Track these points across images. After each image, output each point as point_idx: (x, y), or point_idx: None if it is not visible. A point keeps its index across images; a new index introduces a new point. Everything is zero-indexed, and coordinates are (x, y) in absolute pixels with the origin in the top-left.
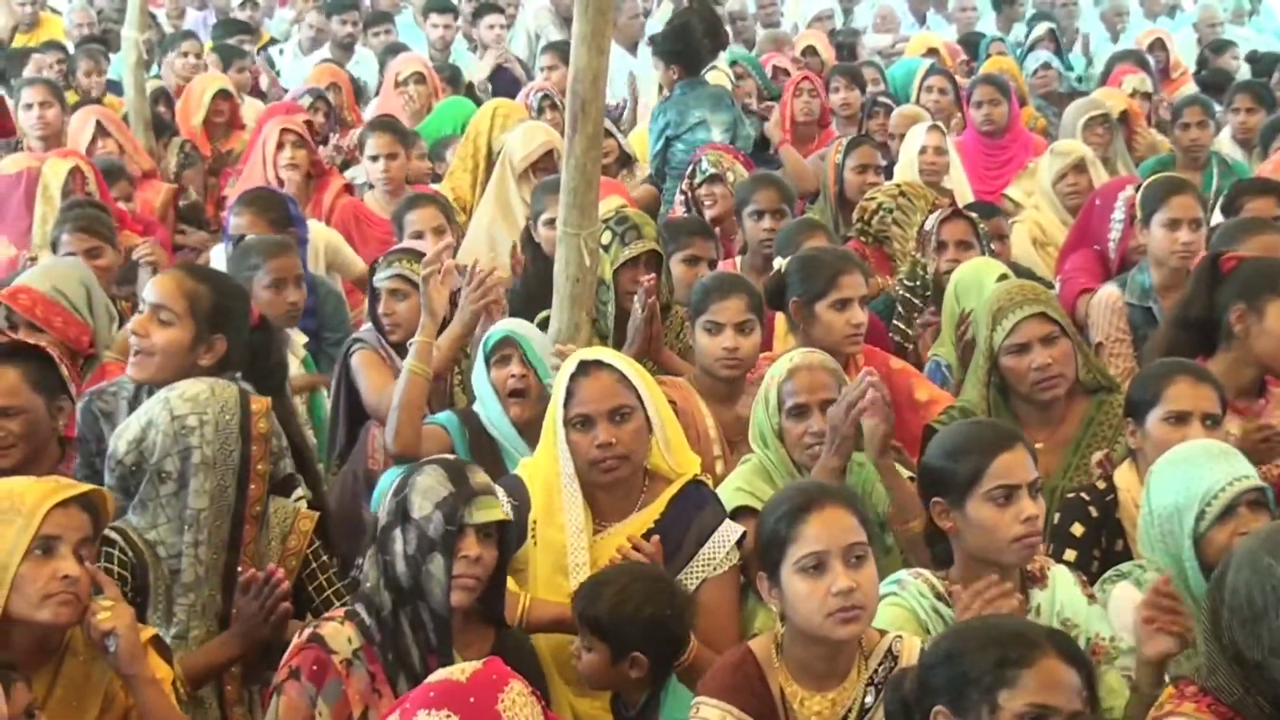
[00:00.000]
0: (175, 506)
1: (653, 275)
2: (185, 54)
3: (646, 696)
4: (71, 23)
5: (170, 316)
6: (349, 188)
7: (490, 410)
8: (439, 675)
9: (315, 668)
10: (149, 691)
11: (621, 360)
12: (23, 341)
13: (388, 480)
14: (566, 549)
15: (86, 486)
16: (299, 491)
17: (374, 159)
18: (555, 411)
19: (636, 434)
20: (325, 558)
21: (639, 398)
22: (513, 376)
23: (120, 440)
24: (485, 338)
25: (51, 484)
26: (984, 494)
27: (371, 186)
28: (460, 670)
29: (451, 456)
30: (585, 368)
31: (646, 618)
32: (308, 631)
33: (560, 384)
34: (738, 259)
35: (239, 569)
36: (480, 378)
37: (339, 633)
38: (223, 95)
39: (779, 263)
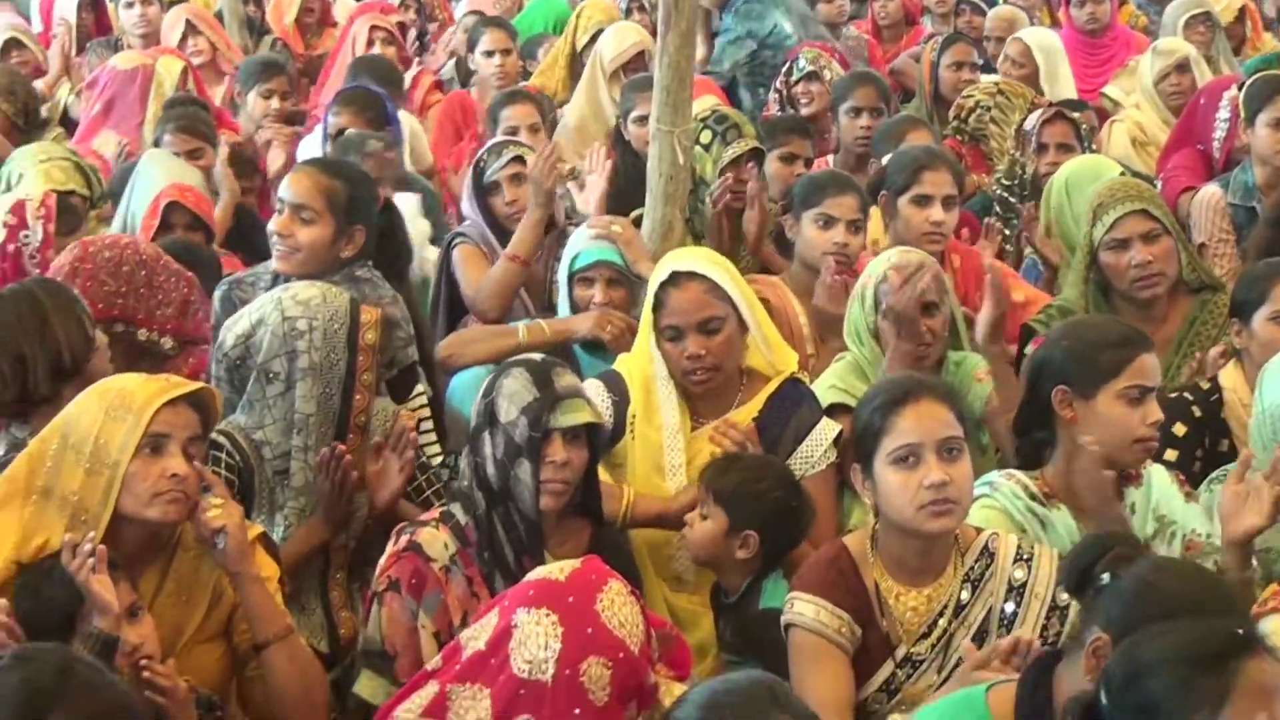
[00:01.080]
0: (282, 408)
1: (752, 165)
2: None
3: (748, 585)
4: None
5: (311, 215)
6: (439, 84)
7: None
8: (538, 574)
9: (414, 580)
10: (254, 589)
11: (712, 266)
12: None
13: (460, 381)
14: (663, 449)
15: (196, 385)
16: (420, 387)
17: (489, 54)
18: (647, 315)
19: (727, 343)
20: (424, 458)
21: (731, 303)
22: (594, 303)
23: (229, 333)
24: (572, 256)
25: (161, 382)
26: (1120, 390)
27: (465, 84)
28: (559, 569)
29: (539, 357)
30: (676, 278)
31: (772, 500)
32: (405, 539)
33: (650, 291)
34: (830, 158)
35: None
36: (562, 293)
37: (435, 538)
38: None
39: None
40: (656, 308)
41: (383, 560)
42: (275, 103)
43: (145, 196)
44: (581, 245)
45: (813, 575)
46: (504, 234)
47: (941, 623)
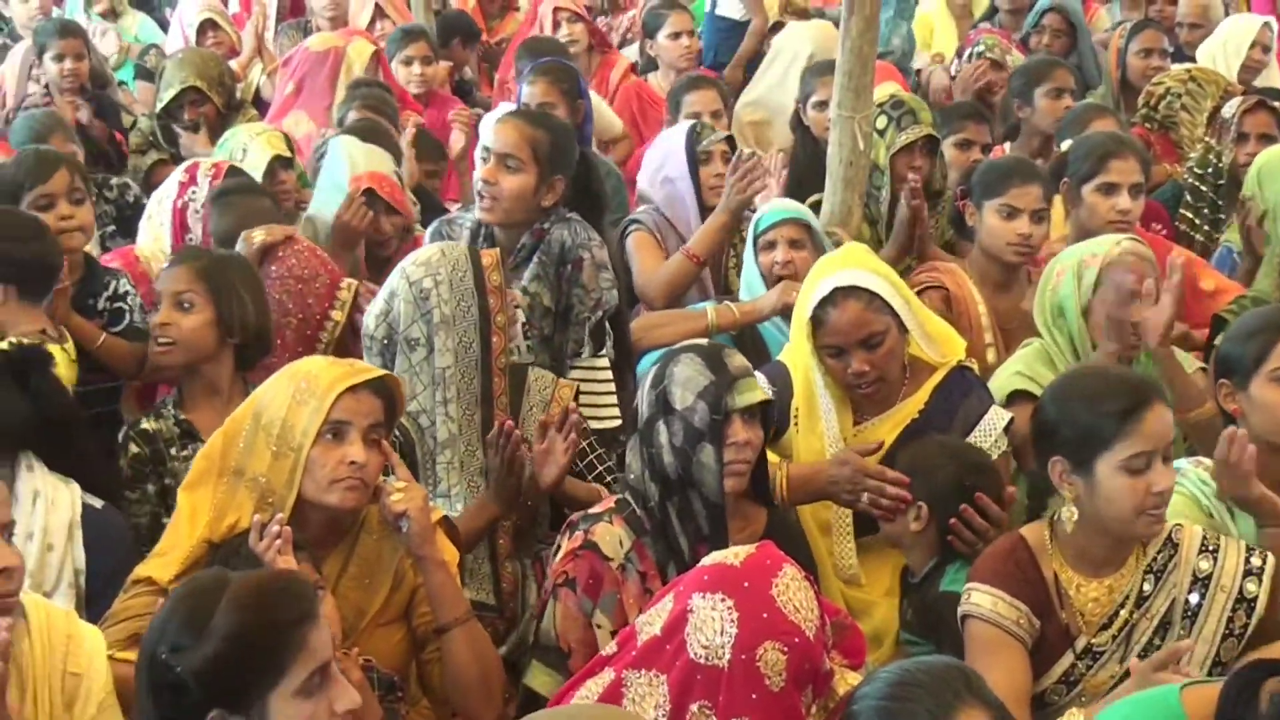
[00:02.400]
0: (428, 371)
1: (918, 176)
2: None
3: (931, 566)
4: None
5: (516, 163)
6: (634, 66)
7: (752, 290)
8: (712, 559)
9: (591, 580)
10: (437, 573)
11: (868, 275)
12: None
13: (647, 364)
14: (825, 451)
15: (378, 372)
16: (602, 357)
17: (675, 36)
18: (801, 318)
19: (889, 354)
20: (586, 424)
21: (890, 310)
22: (777, 264)
23: (370, 316)
24: (755, 220)
25: (345, 368)
26: (1269, 373)
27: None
28: (734, 554)
29: (705, 342)
30: (833, 296)
31: (944, 475)
32: (580, 536)
33: (805, 307)
34: (1007, 145)
35: (495, 422)
36: (749, 260)
37: (610, 535)
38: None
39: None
40: (815, 325)
41: (558, 557)
42: (417, 68)
43: (336, 181)
44: (765, 208)
45: (990, 566)
46: (704, 208)
47: (1123, 614)
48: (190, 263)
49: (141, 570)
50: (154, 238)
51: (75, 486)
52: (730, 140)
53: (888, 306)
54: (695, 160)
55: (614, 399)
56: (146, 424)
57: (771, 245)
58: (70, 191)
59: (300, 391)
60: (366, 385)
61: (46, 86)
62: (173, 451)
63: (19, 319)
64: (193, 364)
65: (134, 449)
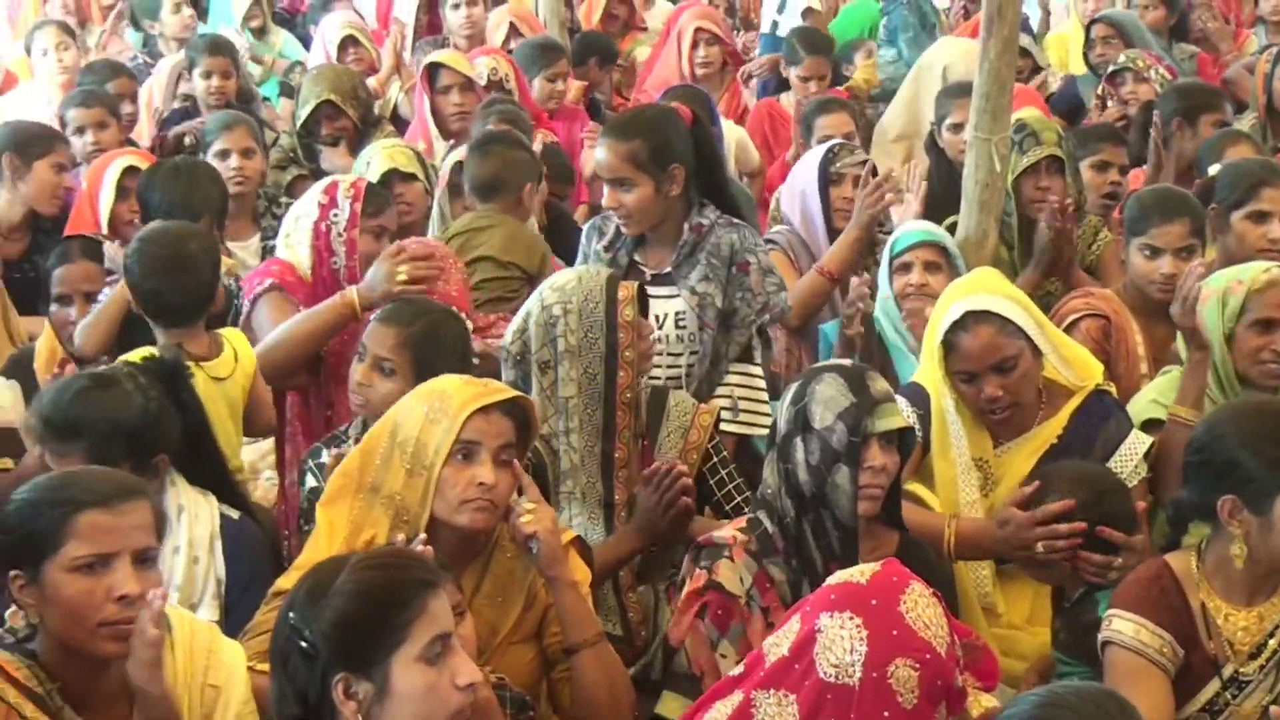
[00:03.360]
0: (557, 397)
1: (1069, 200)
2: None
3: (1083, 592)
4: None
5: (628, 181)
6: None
7: (886, 311)
8: (838, 579)
9: (720, 612)
10: (568, 593)
11: (1000, 299)
12: None
13: None
14: (958, 484)
15: (510, 393)
16: (757, 364)
17: (804, 80)
18: (931, 342)
19: (1023, 378)
20: (726, 453)
21: (1024, 334)
22: (911, 286)
23: (509, 331)
24: (891, 242)
25: (478, 388)
26: None
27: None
28: (859, 572)
29: (849, 362)
30: (965, 321)
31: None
32: (703, 576)
33: (937, 332)
34: (1143, 168)
35: (616, 455)
36: (883, 282)
37: (732, 572)
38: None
39: (1213, 169)
40: (946, 349)
41: (683, 594)
42: (560, 85)
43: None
44: (901, 229)
45: (1132, 593)
46: (832, 229)
47: (1272, 643)
48: (401, 326)
49: (282, 583)
50: (294, 254)
51: (213, 499)
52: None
53: (1020, 331)
54: (827, 181)
55: (768, 406)
56: (326, 458)
57: (906, 267)
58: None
59: (433, 410)
60: (498, 406)
61: (193, 100)
62: None
63: (160, 338)
64: None
65: (311, 482)
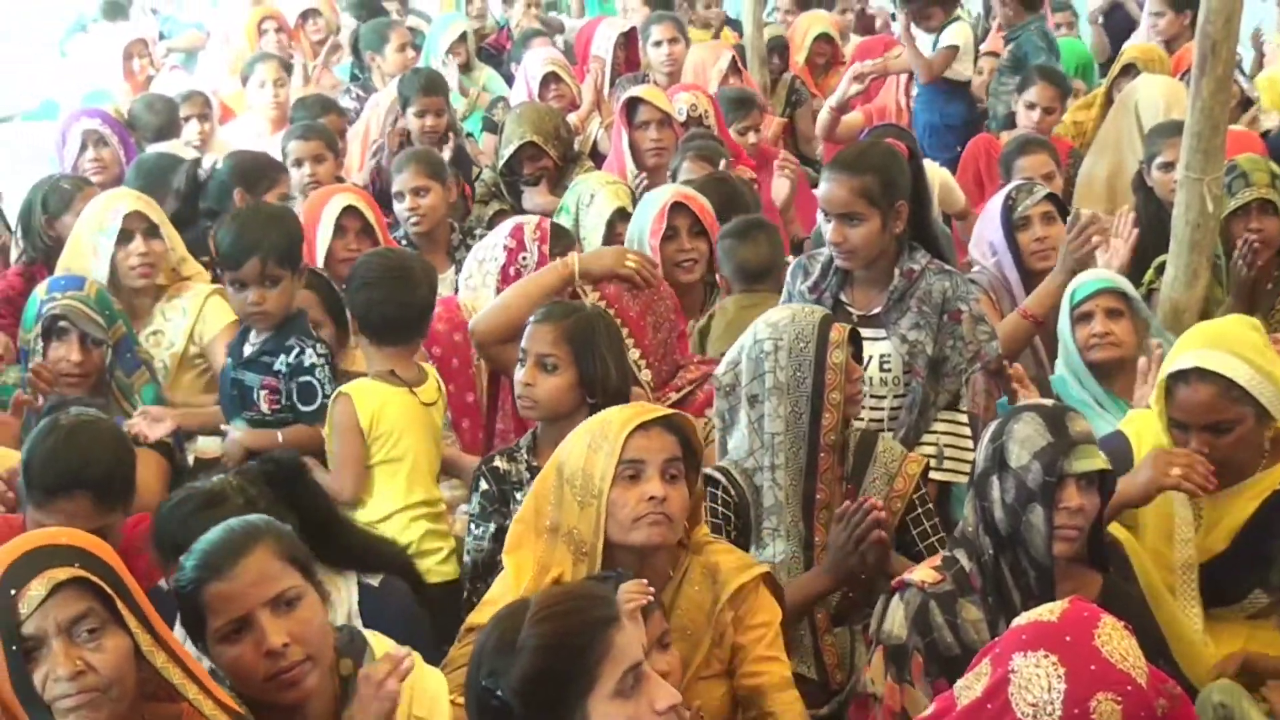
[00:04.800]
0: (763, 432)
1: (1257, 238)
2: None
3: None
4: None
5: (857, 216)
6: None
7: (1070, 366)
8: (1026, 618)
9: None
10: (752, 633)
11: (1235, 361)
12: None
13: None
14: (1175, 519)
15: (666, 410)
16: (963, 411)
17: (1030, 106)
18: (1159, 381)
19: (1238, 441)
20: (930, 504)
21: (1252, 401)
22: (1094, 336)
23: (724, 360)
24: (1070, 291)
25: (634, 409)
26: None
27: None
28: (1049, 610)
29: (1049, 402)
30: (1189, 374)
31: None
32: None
33: (1165, 371)
34: None
35: (818, 496)
36: (1064, 332)
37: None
38: (824, 38)
39: None
40: (1167, 392)
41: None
42: (751, 137)
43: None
44: (1079, 280)
45: None
46: (1027, 273)
47: None
48: (556, 322)
49: (473, 618)
50: (476, 296)
51: (351, 576)
52: (1053, 198)
53: (1248, 395)
54: (1012, 227)
55: (973, 455)
56: (499, 462)
57: (1088, 317)
58: (262, 278)
59: (594, 438)
60: (657, 423)
61: (407, 134)
62: (518, 496)
63: (371, 358)
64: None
65: (483, 485)
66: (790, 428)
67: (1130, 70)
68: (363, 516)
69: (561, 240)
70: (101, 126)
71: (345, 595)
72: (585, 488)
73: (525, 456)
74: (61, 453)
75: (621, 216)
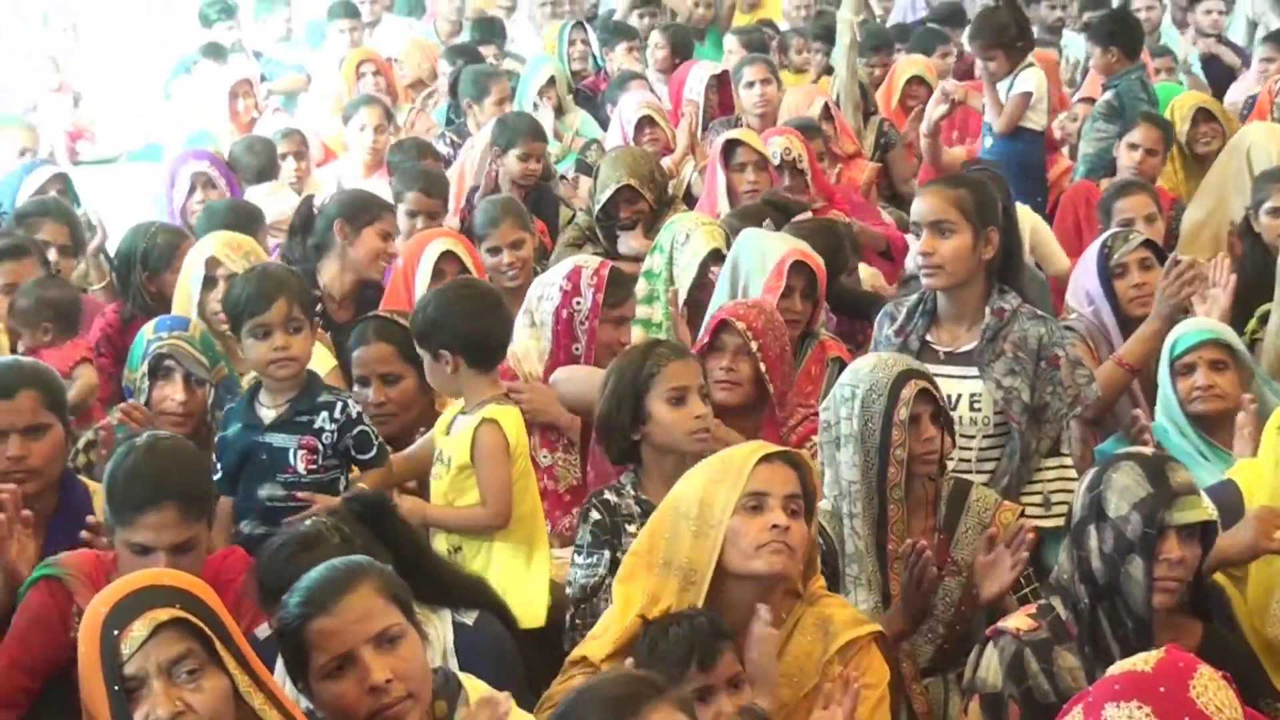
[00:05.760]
0: (843, 479)
1: None
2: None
3: None
4: (790, 5)
5: (949, 226)
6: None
7: (1170, 416)
8: (1119, 668)
9: None
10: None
11: None
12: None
13: None
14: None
15: (787, 448)
16: (1067, 454)
17: (1133, 146)
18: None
19: None
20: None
21: None
22: (1197, 389)
23: (827, 398)
24: (1171, 342)
25: (756, 444)
26: None
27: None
28: (1143, 660)
29: (1150, 451)
30: None
31: None
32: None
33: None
34: None
35: (889, 547)
36: (1164, 383)
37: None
38: (917, 80)
39: None
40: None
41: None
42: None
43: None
44: (1180, 330)
45: None
46: (1126, 320)
47: None
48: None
49: (578, 651)
50: (532, 336)
51: (446, 614)
52: (1150, 244)
53: None
54: (1109, 275)
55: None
56: (609, 495)
57: (1190, 369)
58: (288, 322)
59: (715, 471)
60: (780, 456)
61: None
62: (629, 528)
63: (474, 386)
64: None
65: (595, 515)
66: (864, 477)
67: (1200, 118)
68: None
69: (618, 290)
70: (210, 169)
71: (440, 633)
72: (703, 518)
73: (631, 491)
74: (143, 467)
75: (715, 258)
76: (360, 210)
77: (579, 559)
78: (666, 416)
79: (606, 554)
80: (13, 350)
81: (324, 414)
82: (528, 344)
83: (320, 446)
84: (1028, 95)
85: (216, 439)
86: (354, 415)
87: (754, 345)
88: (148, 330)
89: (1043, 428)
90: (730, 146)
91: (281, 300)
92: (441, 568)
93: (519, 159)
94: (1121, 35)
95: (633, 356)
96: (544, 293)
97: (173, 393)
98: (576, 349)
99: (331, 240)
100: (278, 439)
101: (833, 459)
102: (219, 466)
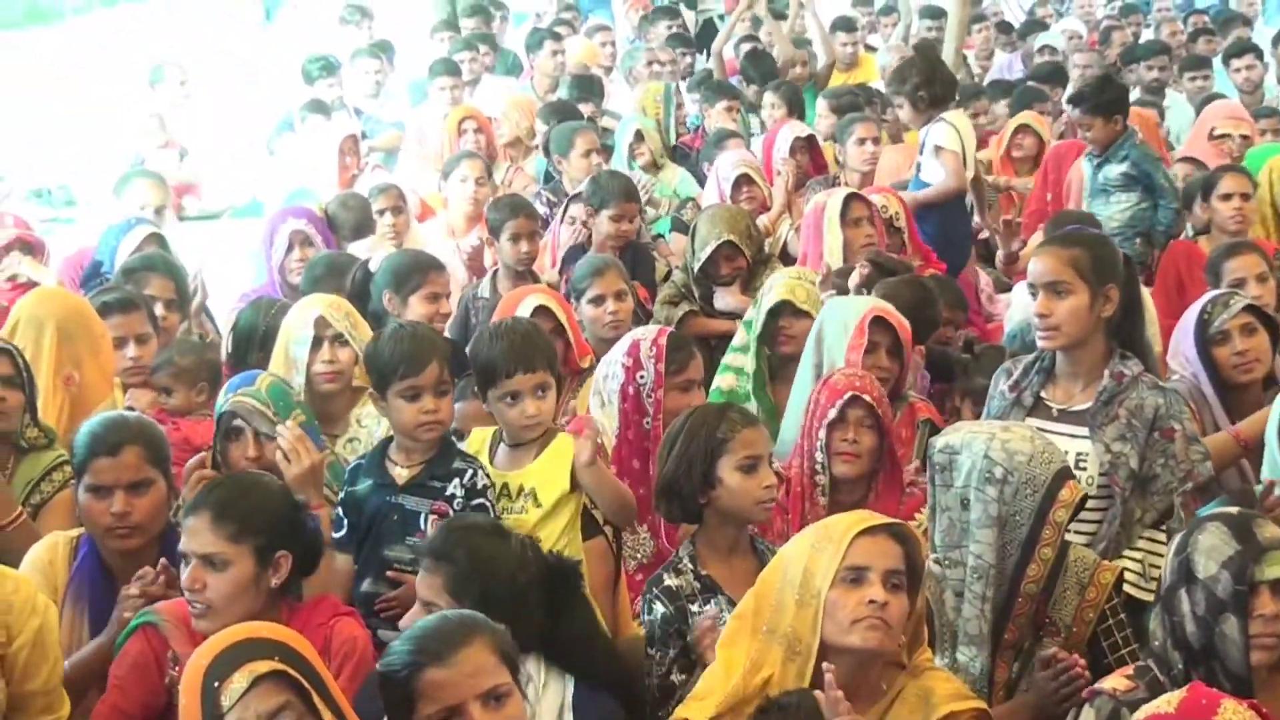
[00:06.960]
0: (969, 552)
1: None
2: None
3: None
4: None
5: (1065, 287)
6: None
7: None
8: (1144, 711)
9: None
10: None
11: None
12: None
13: None
14: None
15: (892, 520)
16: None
17: (1226, 197)
18: None
19: None
20: (1124, 615)
21: None
22: None
23: (941, 438)
24: None
25: (860, 514)
26: None
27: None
28: (1166, 701)
29: (1234, 510)
30: None
31: None
32: None
33: None
34: None
35: (1006, 635)
36: (1271, 441)
37: None
38: (1025, 129)
39: None
40: None
41: None
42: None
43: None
44: None
45: None
46: (1226, 386)
47: None
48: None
49: (680, 712)
50: (604, 416)
51: (569, 680)
52: (1253, 309)
53: None
54: (1206, 343)
55: None
56: (668, 580)
57: None
58: (438, 385)
59: (819, 539)
60: (884, 529)
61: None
62: (694, 608)
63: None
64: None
65: (659, 609)
66: (999, 562)
67: None
68: None
69: (678, 355)
70: (307, 226)
71: (557, 689)
72: (805, 586)
73: (689, 565)
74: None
75: (790, 312)
76: (404, 278)
77: (651, 650)
78: (738, 484)
79: (671, 651)
80: (157, 404)
81: (456, 480)
82: (602, 423)
83: (451, 513)
84: None
85: (341, 495)
86: (480, 486)
87: (880, 417)
88: (221, 394)
89: (1149, 498)
90: (849, 202)
91: (434, 364)
92: (585, 647)
93: (611, 219)
94: (1122, 104)
95: (705, 419)
96: (609, 371)
97: (244, 451)
98: (646, 423)
99: (384, 310)
100: (410, 501)
101: (937, 505)
102: (345, 523)
